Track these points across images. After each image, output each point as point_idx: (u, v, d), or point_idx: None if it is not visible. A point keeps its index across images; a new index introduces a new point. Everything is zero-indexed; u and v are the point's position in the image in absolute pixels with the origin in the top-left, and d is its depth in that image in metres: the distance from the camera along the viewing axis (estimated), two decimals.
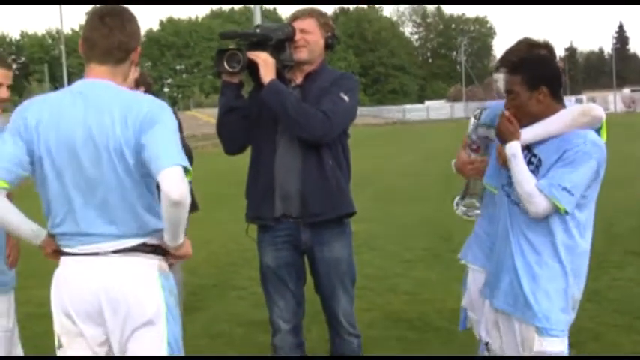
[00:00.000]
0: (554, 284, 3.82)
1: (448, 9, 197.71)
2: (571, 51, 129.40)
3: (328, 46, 4.70)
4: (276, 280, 4.71)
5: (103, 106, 3.30)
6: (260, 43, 4.48)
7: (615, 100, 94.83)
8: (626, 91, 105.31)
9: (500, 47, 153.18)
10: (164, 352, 3.40)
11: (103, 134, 3.27)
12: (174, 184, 3.13)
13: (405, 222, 13.40)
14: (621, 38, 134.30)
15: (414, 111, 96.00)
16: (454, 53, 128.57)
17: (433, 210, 14.61)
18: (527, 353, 3.85)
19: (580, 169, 3.72)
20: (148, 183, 3.37)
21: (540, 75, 3.86)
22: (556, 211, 3.74)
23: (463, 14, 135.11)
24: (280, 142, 4.53)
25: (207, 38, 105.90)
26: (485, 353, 4.15)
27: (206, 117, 65.21)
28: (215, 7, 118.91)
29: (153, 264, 3.41)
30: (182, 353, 3.52)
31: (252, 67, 4.45)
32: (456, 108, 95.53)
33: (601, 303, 7.27)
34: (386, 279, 8.94)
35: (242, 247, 11.11)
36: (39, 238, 3.48)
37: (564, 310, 3.86)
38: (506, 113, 3.89)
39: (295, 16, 4.67)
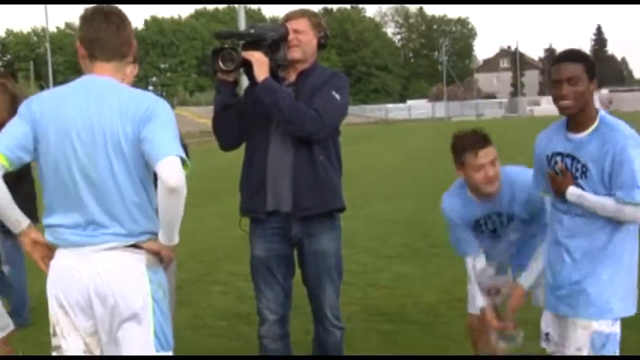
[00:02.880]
0: (613, 274, 3.98)
1: (430, 10, 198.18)
2: (550, 52, 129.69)
3: (321, 46, 4.84)
4: (266, 271, 4.82)
5: (103, 100, 3.42)
6: (254, 43, 4.61)
7: (594, 100, 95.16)
8: (604, 91, 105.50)
9: (480, 47, 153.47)
10: (151, 344, 3.50)
11: (102, 126, 3.39)
12: (172, 171, 3.26)
13: (386, 219, 13.56)
14: (599, 40, 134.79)
15: (396, 110, 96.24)
16: (436, 53, 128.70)
17: (413, 207, 14.83)
18: (581, 336, 4.00)
19: (635, 160, 3.84)
20: (145, 184, 3.48)
21: (594, 68, 4.01)
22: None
23: (445, 15, 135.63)
24: (273, 138, 4.67)
25: (190, 37, 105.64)
26: (544, 345, 4.30)
27: (190, 115, 64.98)
28: (199, 6, 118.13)
29: (141, 258, 3.50)
30: (171, 345, 3.61)
31: (247, 66, 4.60)
32: (437, 107, 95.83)
33: None
34: (365, 274, 9.10)
35: (224, 243, 11.32)
36: (19, 227, 3.56)
37: (622, 298, 4.02)
38: (555, 171, 4.07)
39: (288, 17, 4.80)
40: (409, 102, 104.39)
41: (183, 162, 3.33)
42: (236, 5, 21.50)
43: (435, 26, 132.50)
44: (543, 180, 4.23)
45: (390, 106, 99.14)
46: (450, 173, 5.08)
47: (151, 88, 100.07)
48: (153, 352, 3.51)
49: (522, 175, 4.68)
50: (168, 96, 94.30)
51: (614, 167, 3.86)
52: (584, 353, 3.99)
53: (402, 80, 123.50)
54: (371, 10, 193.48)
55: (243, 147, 4.88)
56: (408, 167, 23.97)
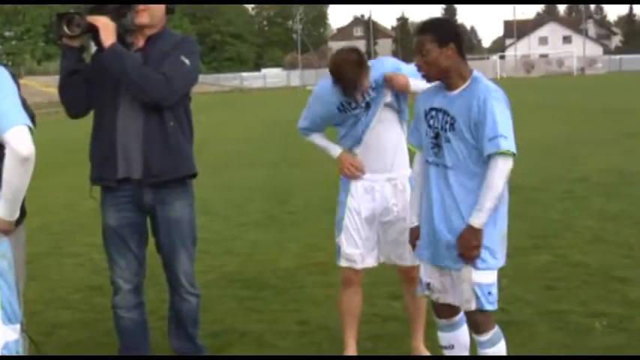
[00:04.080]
0: (485, 227, 4.07)
1: None
2: (403, 21, 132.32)
3: (169, 11, 4.77)
4: (118, 240, 4.76)
5: None
6: (100, 7, 4.51)
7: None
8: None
9: (334, 16, 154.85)
10: None
11: None
12: (23, 141, 3.22)
13: (241, 186, 13.59)
14: (450, 10, 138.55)
15: (251, 79, 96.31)
16: (290, 22, 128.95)
17: (269, 174, 14.92)
18: (466, 289, 4.11)
19: (495, 111, 3.97)
20: None
21: (448, 33, 4.13)
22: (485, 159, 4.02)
23: None
24: (122, 104, 4.58)
25: (37, 4, 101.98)
26: (427, 293, 4.37)
27: (38, 85, 62.97)
28: None
29: None
30: (18, 317, 3.51)
31: (94, 31, 4.48)
32: (292, 75, 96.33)
33: None
34: (221, 242, 9.11)
35: (76, 214, 11.09)
36: None
37: (494, 250, 4.12)
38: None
39: None
40: (264, 70, 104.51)
41: (31, 130, 3.27)
42: None
43: None
44: (417, 134, 4.37)
45: (245, 74, 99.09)
46: (303, 142, 5.14)
47: None
48: (0, 326, 3.41)
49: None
50: (15, 65, 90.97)
51: (479, 117, 4.01)
52: (473, 306, 4.13)
53: (257, 48, 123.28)
54: None
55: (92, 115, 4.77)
56: (264, 135, 24.05)
